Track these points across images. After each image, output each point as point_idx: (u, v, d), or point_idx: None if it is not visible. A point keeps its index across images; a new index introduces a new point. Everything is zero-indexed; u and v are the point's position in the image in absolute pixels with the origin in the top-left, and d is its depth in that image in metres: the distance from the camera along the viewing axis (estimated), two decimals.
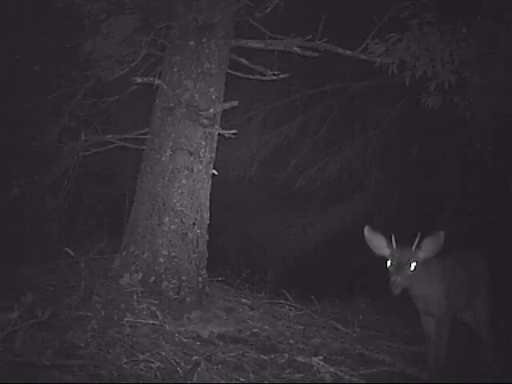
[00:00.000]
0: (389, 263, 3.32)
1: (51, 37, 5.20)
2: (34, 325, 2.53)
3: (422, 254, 3.32)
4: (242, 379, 3.01)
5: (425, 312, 3.58)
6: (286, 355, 3.47)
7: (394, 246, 3.34)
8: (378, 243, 3.42)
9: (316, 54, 4.54)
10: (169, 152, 4.18)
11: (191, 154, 4.19)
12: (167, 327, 3.45)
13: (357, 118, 7.04)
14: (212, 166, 4.35)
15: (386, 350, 3.96)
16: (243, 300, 4.52)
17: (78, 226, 5.21)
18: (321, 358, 3.50)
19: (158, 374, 2.82)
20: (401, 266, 3.26)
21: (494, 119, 4.93)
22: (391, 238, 3.38)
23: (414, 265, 3.29)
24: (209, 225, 4.31)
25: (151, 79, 4.29)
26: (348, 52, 4.49)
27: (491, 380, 3.56)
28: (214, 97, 4.32)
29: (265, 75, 4.65)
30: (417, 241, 3.32)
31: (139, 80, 4.30)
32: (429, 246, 3.31)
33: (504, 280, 5.76)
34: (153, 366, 2.86)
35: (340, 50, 4.51)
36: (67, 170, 4.66)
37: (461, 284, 3.70)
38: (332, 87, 6.79)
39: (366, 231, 3.44)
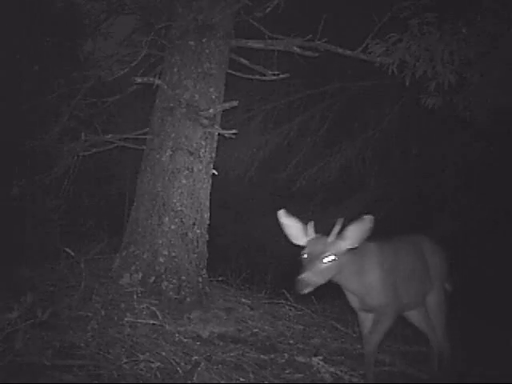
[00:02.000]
0: (303, 255, 2.83)
1: (51, 37, 5.21)
2: (33, 325, 2.54)
3: (343, 244, 2.82)
4: (242, 379, 3.01)
5: (362, 308, 3.15)
6: (286, 355, 3.47)
7: (310, 236, 2.87)
8: (295, 231, 2.93)
9: (316, 54, 4.54)
10: (169, 152, 4.19)
11: (191, 153, 4.19)
12: (167, 327, 3.45)
13: (357, 118, 7.04)
14: (212, 166, 4.35)
15: (385, 350, 3.95)
16: (243, 300, 4.52)
17: (77, 225, 5.21)
18: (321, 357, 3.50)
19: (157, 373, 2.82)
20: (312, 260, 2.75)
21: (494, 119, 4.93)
22: (308, 225, 2.91)
23: (329, 258, 2.78)
24: (209, 225, 4.31)
25: (151, 79, 4.29)
26: (348, 52, 4.49)
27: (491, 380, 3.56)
28: (213, 97, 4.32)
29: (265, 75, 4.65)
30: (336, 229, 2.83)
31: (139, 80, 4.30)
32: (353, 233, 2.82)
33: (504, 280, 5.77)
34: (153, 365, 2.86)
35: (340, 50, 4.51)
36: (67, 170, 4.67)
37: (408, 273, 3.23)
38: (332, 87, 6.79)
39: (281, 216, 2.93)
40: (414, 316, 3.52)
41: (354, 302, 3.13)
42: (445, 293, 3.51)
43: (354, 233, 2.82)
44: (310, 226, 2.90)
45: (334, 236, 2.83)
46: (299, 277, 2.69)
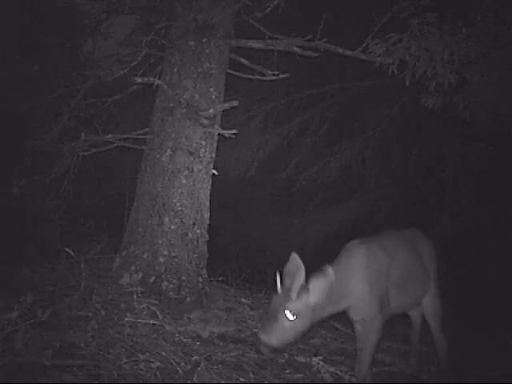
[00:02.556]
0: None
1: (51, 37, 5.21)
2: (33, 325, 2.54)
3: (307, 300, 2.54)
4: (242, 379, 3.01)
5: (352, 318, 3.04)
6: (286, 355, 3.47)
7: (278, 290, 2.59)
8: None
9: (316, 54, 4.54)
10: (169, 152, 4.19)
11: (191, 153, 4.19)
12: (167, 327, 3.45)
13: (357, 118, 7.04)
14: (212, 166, 4.35)
15: (385, 350, 3.95)
16: (243, 300, 4.52)
17: (77, 225, 5.21)
18: (321, 357, 3.50)
19: (157, 373, 2.82)
20: (270, 320, 2.49)
21: (494, 119, 4.93)
22: (276, 277, 2.60)
23: (288, 316, 2.49)
24: (209, 225, 4.31)
25: (151, 79, 4.29)
26: (348, 52, 4.49)
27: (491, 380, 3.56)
28: (213, 97, 4.32)
29: (265, 75, 4.65)
30: (297, 284, 2.51)
31: (139, 80, 4.30)
32: (316, 289, 2.56)
33: (504, 280, 5.77)
34: (153, 365, 2.86)
35: (340, 50, 4.51)
36: (67, 170, 4.66)
37: (403, 274, 3.03)
38: (332, 87, 6.79)
39: (293, 257, 2.66)
40: (412, 314, 3.47)
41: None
42: (440, 292, 3.43)
43: (318, 288, 2.57)
44: (278, 280, 2.60)
45: (296, 291, 2.52)
46: (257, 337, 2.48)
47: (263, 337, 2.42)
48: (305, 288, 2.55)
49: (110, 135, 4.55)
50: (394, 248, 3.06)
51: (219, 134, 4.42)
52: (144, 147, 4.41)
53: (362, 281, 2.80)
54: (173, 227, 4.09)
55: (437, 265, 3.42)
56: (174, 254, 4.06)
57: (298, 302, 2.52)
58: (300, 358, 3.49)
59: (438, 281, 3.39)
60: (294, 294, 2.52)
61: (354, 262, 2.83)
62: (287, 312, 2.49)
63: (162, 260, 4.03)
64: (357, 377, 2.89)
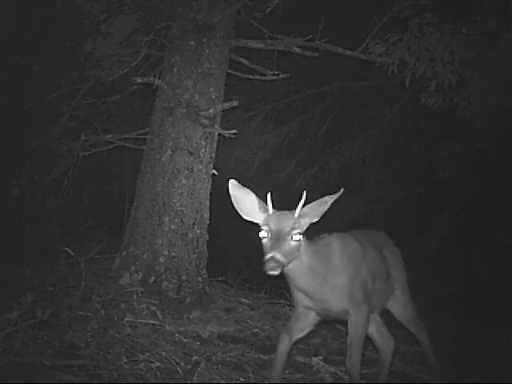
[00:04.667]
0: (263, 233, 2.49)
1: (51, 37, 5.21)
2: (34, 325, 2.54)
3: (305, 221, 2.53)
4: (242, 379, 3.02)
5: (323, 317, 2.85)
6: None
7: (271, 210, 2.53)
8: (249, 204, 2.59)
9: (316, 54, 4.54)
10: (169, 152, 4.19)
11: (191, 153, 4.19)
12: (167, 327, 3.45)
13: (357, 118, 7.04)
14: (212, 166, 4.35)
15: None
16: (243, 300, 4.52)
17: (77, 226, 5.20)
18: (321, 357, 3.50)
19: (157, 373, 2.82)
20: (279, 238, 2.43)
21: (494, 119, 4.93)
22: (267, 197, 2.55)
23: (298, 237, 2.48)
24: (209, 225, 4.31)
25: (151, 79, 4.29)
26: (348, 52, 4.49)
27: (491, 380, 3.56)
28: (213, 97, 4.32)
29: (265, 75, 4.65)
30: (301, 204, 2.52)
31: (139, 80, 4.30)
32: (312, 210, 2.53)
33: (504, 280, 5.77)
34: (153, 365, 2.86)
35: (340, 50, 4.51)
36: (67, 170, 4.66)
37: (372, 271, 2.91)
38: (332, 87, 6.79)
39: (232, 186, 2.67)
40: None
41: (302, 299, 2.75)
42: (410, 297, 3.28)
43: (314, 209, 2.54)
44: (270, 200, 2.53)
45: (299, 211, 2.52)
46: (268, 255, 2.37)
47: (277, 255, 2.38)
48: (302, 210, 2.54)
49: (109, 135, 4.55)
50: (365, 242, 2.99)
51: (219, 134, 4.42)
52: (144, 147, 4.41)
53: (340, 269, 2.72)
54: (173, 227, 4.09)
55: (402, 270, 3.30)
56: (174, 254, 4.06)
57: (301, 222, 2.51)
58: (300, 358, 3.49)
59: (406, 288, 3.28)
60: (297, 213, 2.51)
61: (334, 242, 2.80)
62: (295, 231, 2.47)
63: (161, 260, 4.03)
64: (351, 373, 2.76)
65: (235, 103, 4.37)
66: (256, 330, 3.87)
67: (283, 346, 2.78)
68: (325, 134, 7.07)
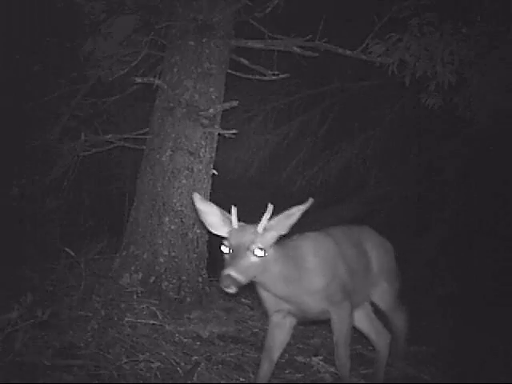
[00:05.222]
0: (224, 248, 2.40)
1: (51, 37, 5.21)
2: (34, 325, 2.54)
3: (271, 235, 2.41)
4: (241, 379, 3.02)
5: (301, 319, 2.76)
6: (286, 355, 3.47)
7: (234, 224, 2.43)
8: (215, 219, 2.50)
9: (316, 54, 4.54)
10: (169, 152, 4.19)
11: (191, 154, 4.19)
12: (167, 327, 3.46)
13: (357, 118, 7.04)
14: (212, 166, 4.35)
15: None
16: (243, 300, 4.51)
17: (77, 225, 5.20)
18: (321, 358, 3.50)
19: (158, 373, 2.82)
20: (237, 254, 2.32)
21: (494, 119, 4.93)
22: (230, 211, 2.46)
23: (260, 252, 2.35)
24: None
25: (151, 79, 4.29)
26: (348, 52, 4.49)
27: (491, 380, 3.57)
28: (214, 97, 4.32)
29: (265, 75, 4.65)
30: (266, 217, 2.40)
31: (139, 80, 4.30)
32: (278, 223, 2.40)
33: (504, 280, 5.77)
34: (153, 365, 2.86)
35: (340, 50, 4.51)
36: (67, 170, 4.66)
37: (352, 269, 2.82)
38: (332, 87, 6.79)
39: (197, 200, 2.54)
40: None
41: (276, 304, 2.66)
42: (393, 289, 3.18)
43: (281, 221, 2.40)
44: (234, 213, 2.44)
45: (264, 225, 2.39)
46: (225, 273, 2.26)
47: (233, 272, 2.25)
48: (268, 223, 2.40)
49: (109, 135, 4.54)
50: (340, 238, 2.88)
51: (219, 134, 4.41)
52: (144, 147, 4.41)
53: (315, 272, 2.60)
54: (173, 227, 4.09)
55: (389, 263, 3.18)
56: (173, 254, 4.06)
57: (265, 237, 2.38)
58: (300, 358, 3.49)
59: (390, 279, 3.16)
60: (261, 228, 2.39)
61: (307, 243, 2.69)
62: (256, 248, 2.34)
63: (161, 260, 4.03)
64: (341, 373, 2.68)
65: (235, 103, 4.37)
66: (256, 330, 3.87)
67: (262, 371, 2.70)
68: (325, 134, 7.07)
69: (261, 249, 2.36)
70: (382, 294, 3.13)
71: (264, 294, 2.65)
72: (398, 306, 3.23)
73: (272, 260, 2.44)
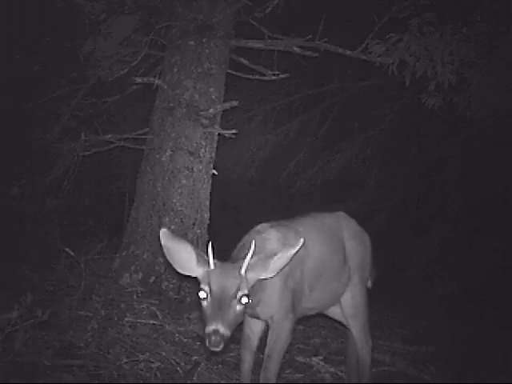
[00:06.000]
0: (202, 294, 2.09)
1: (51, 37, 5.21)
2: (34, 325, 2.54)
3: (250, 277, 2.14)
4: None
5: (251, 316, 2.52)
6: (286, 355, 3.46)
7: (212, 264, 2.11)
8: (185, 257, 2.16)
9: (316, 54, 4.54)
10: (169, 152, 4.19)
11: (191, 154, 4.19)
12: (167, 327, 3.45)
13: (357, 118, 7.04)
14: (212, 166, 4.35)
15: (385, 350, 3.96)
16: None
17: (77, 225, 5.21)
18: (321, 358, 3.50)
19: (157, 373, 2.82)
20: (225, 302, 2.03)
21: (494, 119, 4.93)
22: (207, 248, 2.13)
23: (245, 300, 2.09)
24: (209, 225, 4.31)
25: (151, 79, 4.29)
26: (348, 52, 4.49)
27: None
28: (214, 97, 4.32)
29: (265, 75, 4.65)
30: (249, 255, 2.13)
31: (139, 80, 4.30)
32: (258, 262, 2.14)
33: (505, 280, 5.77)
34: (153, 365, 2.86)
35: (340, 50, 4.51)
36: (67, 170, 4.67)
37: (317, 269, 2.57)
38: (332, 87, 6.79)
39: (163, 237, 2.16)
40: (332, 312, 2.94)
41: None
42: (365, 290, 2.91)
43: (261, 261, 2.13)
44: (210, 252, 2.12)
45: (245, 268, 2.12)
46: (211, 328, 1.97)
47: (221, 328, 1.95)
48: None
49: (109, 135, 4.55)
50: (309, 236, 2.52)
51: (219, 134, 4.42)
52: (144, 147, 4.41)
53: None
54: (173, 227, 4.09)
55: (363, 256, 2.88)
56: None
57: (248, 280, 2.12)
58: (300, 358, 3.49)
59: (360, 275, 2.84)
60: (244, 268, 2.11)
61: (268, 244, 2.42)
62: (242, 295, 2.07)
63: (162, 260, 4.02)
64: (265, 375, 2.39)
65: (235, 103, 4.37)
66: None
67: (248, 361, 2.57)
68: (325, 134, 7.07)
69: (247, 296, 2.08)
70: (354, 294, 2.83)
71: None
72: (366, 323, 2.90)
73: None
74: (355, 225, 2.93)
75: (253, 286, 2.16)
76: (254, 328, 2.61)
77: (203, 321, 2.06)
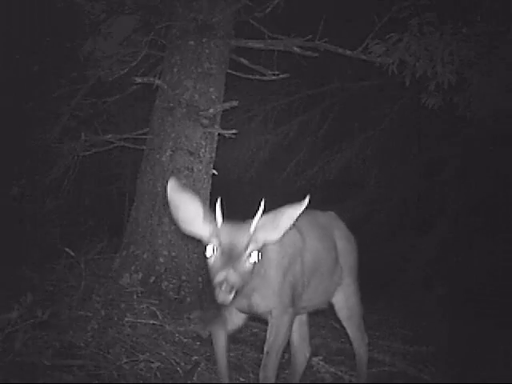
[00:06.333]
0: (210, 250, 2.03)
1: (51, 37, 5.21)
2: (34, 325, 2.53)
3: (260, 237, 2.08)
4: (242, 379, 3.01)
5: (247, 312, 2.42)
6: (286, 355, 3.47)
7: (220, 222, 2.06)
8: (192, 213, 2.09)
9: (316, 54, 4.54)
10: (169, 152, 4.19)
11: (191, 153, 4.19)
12: (167, 327, 3.45)
13: (357, 118, 7.04)
14: (212, 165, 4.35)
15: (385, 350, 3.96)
16: None
17: (77, 225, 5.21)
18: (321, 358, 3.50)
19: (157, 373, 2.82)
20: (234, 255, 1.98)
21: (494, 119, 4.93)
22: (215, 206, 2.08)
23: (255, 256, 2.04)
24: None
25: (151, 79, 4.29)
26: (348, 52, 4.49)
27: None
28: (214, 97, 4.32)
29: (265, 75, 4.65)
30: (259, 213, 2.08)
31: (139, 80, 4.30)
32: (267, 221, 2.09)
33: (505, 280, 5.77)
34: (153, 365, 2.86)
35: (340, 50, 4.51)
36: (67, 170, 4.67)
37: (312, 267, 2.49)
38: (332, 87, 6.80)
39: (171, 188, 2.14)
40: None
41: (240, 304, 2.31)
42: (357, 289, 2.83)
43: (269, 220, 2.08)
44: (219, 209, 2.06)
45: (255, 225, 2.07)
46: (221, 275, 1.91)
47: (230, 275, 1.88)
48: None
49: (109, 135, 4.55)
50: (306, 230, 2.49)
51: (219, 134, 4.42)
52: (144, 147, 4.41)
53: (274, 264, 2.28)
54: (173, 227, 4.08)
55: (355, 258, 2.84)
56: (174, 254, 4.06)
57: (258, 238, 2.06)
58: None
59: (355, 277, 2.81)
60: (254, 226, 2.05)
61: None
62: (251, 249, 2.02)
63: (161, 260, 4.03)
64: (264, 375, 2.28)
65: (235, 103, 4.37)
66: (256, 330, 3.87)
67: (221, 340, 2.38)
68: (325, 134, 7.07)
69: (258, 252, 2.04)
70: (348, 295, 2.75)
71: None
72: (361, 321, 2.85)
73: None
74: (344, 226, 2.92)
75: (259, 252, 2.07)
76: (234, 318, 2.44)
77: (211, 276, 1.96)
